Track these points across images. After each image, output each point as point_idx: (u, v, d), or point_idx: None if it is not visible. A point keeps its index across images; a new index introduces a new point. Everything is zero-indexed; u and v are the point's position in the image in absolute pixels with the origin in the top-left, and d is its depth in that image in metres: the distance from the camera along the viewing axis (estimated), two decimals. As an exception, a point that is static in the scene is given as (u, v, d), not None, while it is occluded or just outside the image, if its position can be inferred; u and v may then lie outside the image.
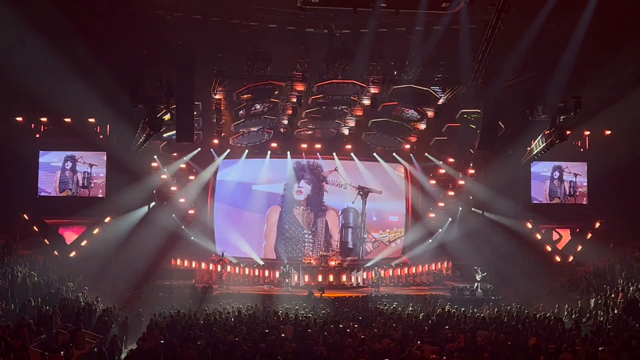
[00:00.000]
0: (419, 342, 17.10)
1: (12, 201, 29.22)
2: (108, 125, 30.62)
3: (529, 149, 28.95)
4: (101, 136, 30.80)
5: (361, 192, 34.71)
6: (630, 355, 15.88)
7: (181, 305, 23.96)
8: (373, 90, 27.51)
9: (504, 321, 21.31)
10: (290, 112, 29.93)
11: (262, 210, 34.76)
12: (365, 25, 24.87)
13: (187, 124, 24.96)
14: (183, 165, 33.21)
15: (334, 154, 34.37)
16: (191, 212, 33.54)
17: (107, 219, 30.53)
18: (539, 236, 32.41)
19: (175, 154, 32.80)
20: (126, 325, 21.61)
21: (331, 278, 31.92)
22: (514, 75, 25.26)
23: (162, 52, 23.97)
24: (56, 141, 30.50)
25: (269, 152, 34.01)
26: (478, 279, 29.24)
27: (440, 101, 28.70)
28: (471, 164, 33.70)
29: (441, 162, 34.33)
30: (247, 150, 33.59)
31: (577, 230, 32.73)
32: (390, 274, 33.00)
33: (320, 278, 31.74)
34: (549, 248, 32.26)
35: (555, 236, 32.95)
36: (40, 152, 30.67)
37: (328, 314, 22.78)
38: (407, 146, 33.94)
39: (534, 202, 33.04)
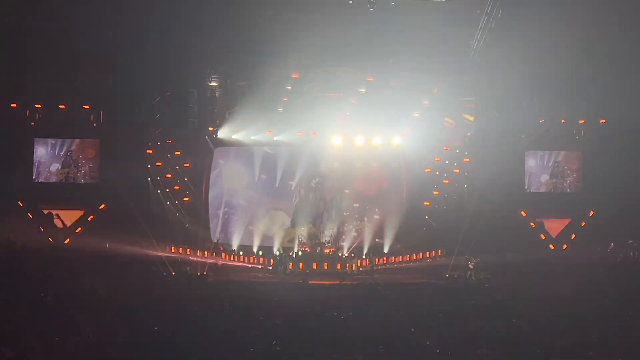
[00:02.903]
0: (412, 330, 17.20)
1: (7, 189, 29.15)
2: (102, 112, 30.50)
3: (523, 137, 28.99)
4: (95, 124, 30.69)
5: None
6: (623, 343, 16.01)
7: (176, 292, 23.98)
8: (369, 78, 27.49)
9: (497, 309, 21.40)
10: (286, 99, 29.90)
11: (263, 200, 34.76)
12: (360, 13, 24.81)
13: (182, 112, 24.97)
14: (177, 152, 33.09)
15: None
16: (186, 199, 33.49)
17: (101, 206, 30.49)
18: (533, 224, 32.49)
19: (169, 141, 32.70)
20: (122, 313, 21.60)
21: (326, 266, 31.96)
22: (508, 63, 25.26)
23: (157, 38, 23.90)
24: (51, 128, 30.37)
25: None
26: (471, 267, 29.33)
27: (436, 89, 28.68)
28: (466, 152, 33.67)
29: (436, 150, 34.30)
30: (242, 137, 33.55)
31: (571, 218, 32.78)
32: (386, 261, 33.06)
33: (315, 266, 31.79)
34: (543, 237, 32.34)
35: (549, 224, 33.01)
36: (35, 139, 30.56)
37: (322, 301, 22.82)
38: (402, 134, 33.88)
39: (528, 190, 33.05)
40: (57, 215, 30.58)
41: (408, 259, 33.37)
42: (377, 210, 35.43)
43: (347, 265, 32.10)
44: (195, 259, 31.91)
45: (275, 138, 33.67)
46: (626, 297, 23.08)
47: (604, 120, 31.57)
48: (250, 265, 32.37)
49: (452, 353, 15.32)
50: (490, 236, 30.76)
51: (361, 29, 24.94)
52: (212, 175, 34.36)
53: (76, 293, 22.54)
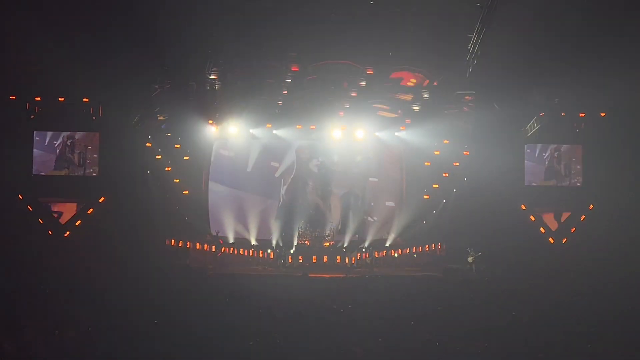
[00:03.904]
0: (412, 323, 17.22)
1: (6, 182, 29.16)
2: (101, 106, 30.47)
3: (523, 129, 28.90)
4: (94, 117, 30.67)
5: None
6: (621, 335, 16.02)
7: (175, 285, 23.97)
8: (368, 71, 27.42)
9: (496, 302, 21.43)
10: (285, 92, 29.87)
11: (261, 190, 34.65)
12: (360, 5, 24.69)
13: (181, 105, 24.96)
14: (177, 145, 33.08)
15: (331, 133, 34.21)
16: (185, 192, 33.48)
17: (101, 199, 30.49)
18: (532, 218, 32.49)
19: (169, 134, 32.68)
20: (121, 306, 21.57)
21: (325, 259, 31.99)
22: (509, 56, 25.16)
23: (156, 31, 23.80)
24: (50, 121, 30.34)
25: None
26: (469, 260, 29.37)
27: (435, 82, 28.62)
28: (465, 146, 33.64)
29: (436, 144, 34.26)
30: (242, 131, 33.50)
31: (571, 212, 32.76)
32: (385, 254, 33.06)
33: (314, 259, 31.80)
34: (542, 230, 32.34)
35: (548, 218, 32.99)
36: (35, 132, 30.56)
37: (322, 294, 22.83)
38: (402, 127, 33.85)
39: (528, 184, 33.02)
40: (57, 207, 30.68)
41: (408, 252, 33.37)
42: (377, 207, 35.24)
43: (347, 258, 32.10)
44: (194, 251, 31.94)
45: (274, 131, 33.66)
46: (625, 290, 23.13)
47: (604, 114, 31.53)
48: (249, 258, 32.37)
49: (451, 346, 15.34)
50: (489, 229, 30.76)
51: (361, 21, 24.81)
52: (212, 168, 34.37)
53: (76, 286, 22.57)
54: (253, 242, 33.23)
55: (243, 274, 28.48)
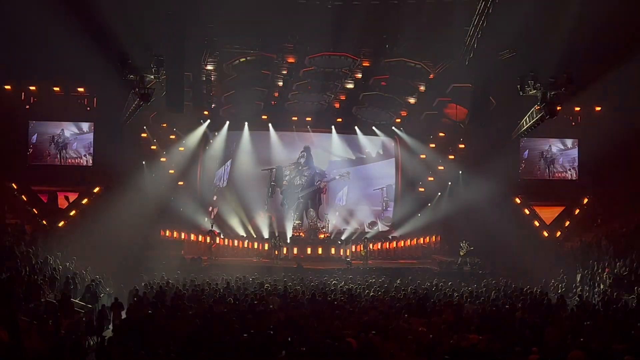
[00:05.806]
0: (406, 315, 17.27)
1: (1, 171, 29.13)
2: (95, 97, 30.44)
3: (519, 123, 28.87)
4: (88, 108, 30.65)
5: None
6: (615, 329, 16.08)
7: (170, 276, 24.02)
8: (365, 63, 27.41)
9: (490, 295, 21.52)
10: (281, 84, 29.84)
11: (255, 185, 34.68)
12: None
13: (177, 95, 24.89)
14: (172, 136, 33.03)
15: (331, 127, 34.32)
16: (180, 183, 33.43)
17: (96, 189, 30.46)
18: (527, 211, 32.59)
19: (164, 125, 32.62)
20: (115, 297, 21.59)
21: (320, 251, 32.02)
22: (506, 50, 25.16)
23: (153, 21, 23.70)
24: (46, 111, 30.31)
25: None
26: (461, 253, 29.45)
27: (432, 75, 28.61)
28: (461, 139, 33.68)
29: (431, 137, 34.31)
30: (237, 123, 33.51)
31: (565, 206, 32.87)
32: (379, 247, 33.11)
33: (309, 250, 31.85)
34: (537, 223, 32.43)
35: (543, 212, 33.08)
36: (30, 122, 30.54)
37: (316, 286, 22.88)
38: (398, 120, 33.89)
39: (523, 177, 33.13)
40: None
41: (402, 245, 33.41)
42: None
43: (342, 250, 32.15)
44: (189, 242, 31.92)
45: (270, 123, 33.66)
46: (620, 284, 23.24)
47: (599, 108, 31.59)
48: (244, 250, 32.36)
49: (445, 338, 15.39)
50: (484, 223, 30.80)
51: (358, 14, 24.75)
52: (207, 159, 34.31)
53: (71, 277, 22.58)
54: (243, 234, 33.25)
55: (238, 265, 28.47)
